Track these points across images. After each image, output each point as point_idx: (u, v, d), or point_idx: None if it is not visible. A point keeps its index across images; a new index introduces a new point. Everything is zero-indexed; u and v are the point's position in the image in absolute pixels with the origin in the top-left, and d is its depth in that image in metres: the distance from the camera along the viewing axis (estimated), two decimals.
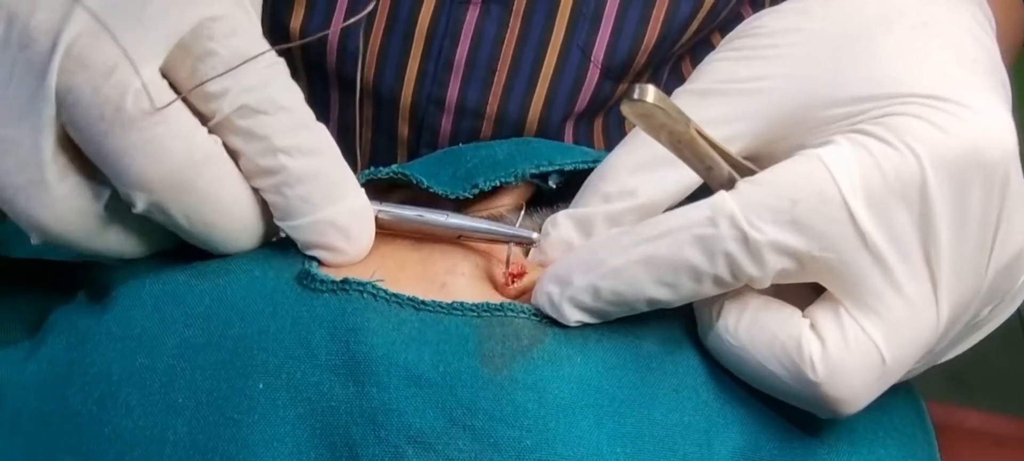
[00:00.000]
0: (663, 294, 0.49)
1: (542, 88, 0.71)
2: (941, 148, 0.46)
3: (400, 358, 0.48)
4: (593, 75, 0.71)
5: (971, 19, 0.51)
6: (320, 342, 0.49)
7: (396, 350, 0.49)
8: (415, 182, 0.56)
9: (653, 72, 0.75)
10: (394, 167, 0.56)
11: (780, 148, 0.50)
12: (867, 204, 0.47)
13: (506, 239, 0.54)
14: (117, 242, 0.51)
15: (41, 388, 0.50)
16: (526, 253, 0.55)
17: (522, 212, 0.56)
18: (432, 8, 0.69)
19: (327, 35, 0.69)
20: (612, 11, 0.70)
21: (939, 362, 0.54)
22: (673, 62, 0.76)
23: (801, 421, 0.52)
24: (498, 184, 0.56)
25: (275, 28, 0.71)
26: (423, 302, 0.50)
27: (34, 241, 0.50)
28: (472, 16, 0.69)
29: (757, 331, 0.49)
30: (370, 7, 0.63)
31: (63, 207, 0.49)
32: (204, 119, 0.48)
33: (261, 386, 0.48)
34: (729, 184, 0.49)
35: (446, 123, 0.71)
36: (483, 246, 0.55)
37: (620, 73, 0.72)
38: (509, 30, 0.69)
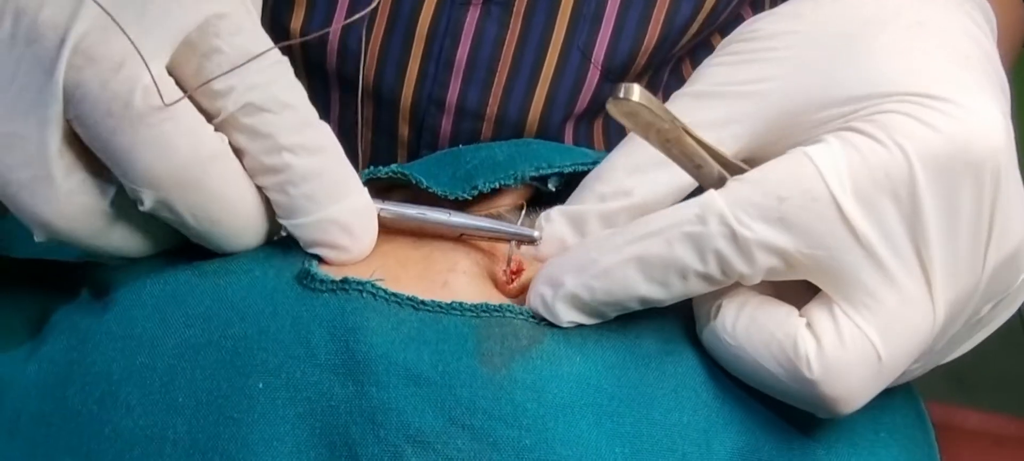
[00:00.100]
0: (655, 292, 0.49)
1: (542, 89, 0.71)
2: (930, 145, 0.47)
3: (399, 357, 0.49)
4: (593, 76, 0.71)
5: (967, 18, 0.52)
6: (320, 341, 0.49)
7: (395, 349, 0.49)
8: (414, 182, 0.56)
9: (653, 73, 0.75)
10: (394, 166, 0.56)
11: (777, 149, 0.50)
12: (857, 200, 0.47)
13: (508, 237, 0.54)
14: (121, 240, 0.51)
15: (41, 388, 0.50)
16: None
17: (523, 211, 0.57)
18: (433, 9, 0.69)
19: (328, 35, 0.69)
20: (612, 12, 0.70)
21: (942, 362, 0.54)
22: (673, 63, 0.76)
23: (800, 422, 0.52)
24: (497, 186, 0.56)
25: (275, 29, 0.71)
26: (422, 302, 0.50)
27: (38, 238, 0.50)
28: (473, 17, 0.69)
29: (754, 330, 0.50)
30: (370, 7, 0.63)
31: (68, 203, 0.49)
32: (209, 117, 0.49)
33: (261, 385, 0.48)
34: (719, 183, 0.50)
35: (446, 124, 0.71)
36: (484, 244, 0.55)
37: (620, 74, 0.72)
38: (509, 31, 0.69)
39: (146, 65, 0.46)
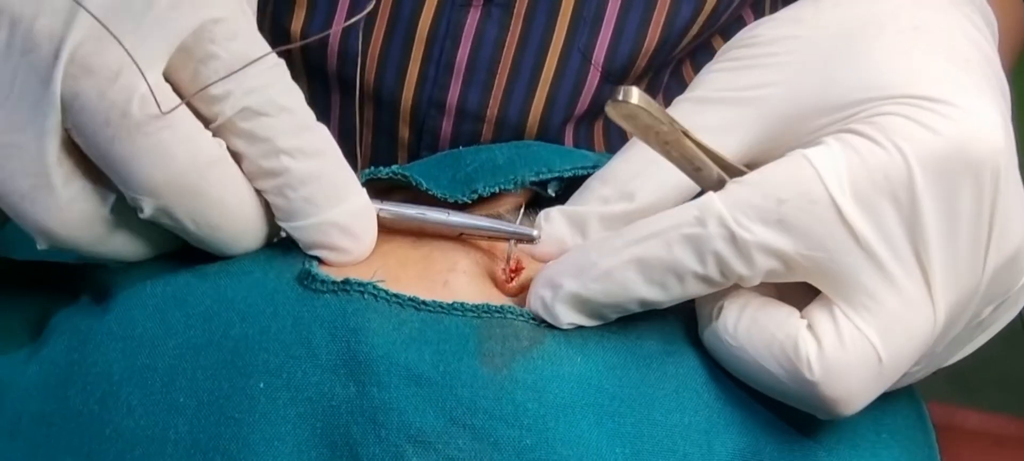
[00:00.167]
0: (654, 294, 0.50)
1: (543, 91, 0.71)
2: (928, 146, 0.47)
3: (400, 358, 0.49)
4: (593, 78, 0.71)
5: (965, 20, 0.52)
6: (321, 342, 0.49)
7: (396, 350, 0.49)
8: (414, 184, 0.56)
9: (654, 75, 0.75)
10: (394, 167, 0.57)
11: (778, 153, 0.50)
12: (856, 202, 0.47)
13: (507, 236, 0.54)
14: (123, 245, 0.51)
15: (42, 389, 0.50)
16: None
17: (521, 211, 0.57)
18: (433, 11, 0.69)
19: (328, 37, 0.69)
20: (613, 14, 0.70)
21: (944, 365, 0.54)
22: (674, 66, 0.76)
23: (802, 423, 0.52)
24: (497, 191, 0.56)
25: (275, 30, 0.71)
26: (423, 302, 0.51)
27: (41, 246, 0.50)
28: (473, 19, 0.69)
29: (756, 331, 0.50)
30: (368, 8, 0.63)
31: (69, 212, 0.49)
32: (207, 122, 0.49)
33: (262, 386, 0.49)
34: (718, 186, 0.50)
35: (447, 126, 0.71)
36: (484, 244, 0.56)
37: (621, 76, 0.72)
38: (510, 33, 0.69)
39: (142, 74, 0.46)
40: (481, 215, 0.56)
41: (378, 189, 0.56)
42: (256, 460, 0.48)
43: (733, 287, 0.50)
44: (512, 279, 0.54)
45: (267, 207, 0.51)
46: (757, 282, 0.49)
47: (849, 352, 0.48)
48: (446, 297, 0.51)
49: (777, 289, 0.51)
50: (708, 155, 0.50)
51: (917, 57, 0.49)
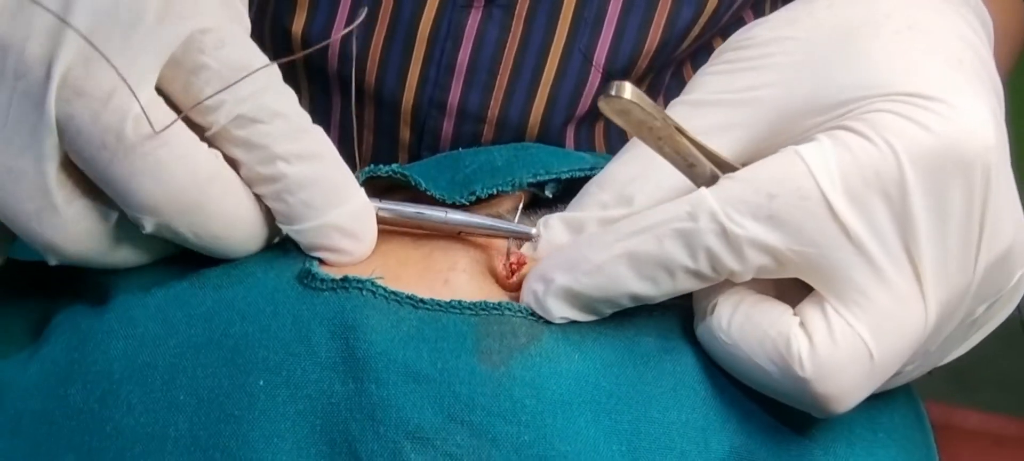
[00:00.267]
0: (645, 289, 0.50)
1: (544, 92, 0.71)
2: (920, 143, 0.47)
3: (399, 355, 0.49)
4: (594, 79, 0.71)
5: (960, 20, 0.52)
6: (320, 340, 0.49)
7: (395, 347, 0.49)
8: (413, 184, 0.56)
9: (655, 77, 0.75)
10: (394, 166, 0.57)
11: (773, 153, 0.50)
12: (847, 198, 0.47)
13: (505, 235, 0.55)
14: (129, 255, 0.52)
15: (42, 387, 0.50)
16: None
17: (519, 209, 0.57)
18: (434, 12, 0.69)
19: (328, 39, 0.70)
20: (614, 15, 0.70)
21: (939, 364, 0.55)
22: (675, 67, 0.76)
23: (798, 421, 0.52)
24: (495, 192, 0.57)
25: (276, 31, 0.71)
26: (422, 300, 0.51)
27: (51, 262, 0.50)
28: (474, 20, 0.69)
29: (749, 327, 0.50)
30: (360, 17, 0.63)
31: (74, 230, 0.49)
32: (201, 131, 0.49)
33: (262, 383, 0.49)
34: (712, 182, 0.50)
35: (447, 127, 0.71)
36: (484, 242, 0.56)
37: (622, 77, 0.72)
38: (511, 34, 0.69)
39: (134, 95, 0.46)
40: (480, 214, 0.56)
41: (378, 189, 0.56)
42: (256, 457, 0.48)
43: (727, 284, 0.50)
44: (513, 274, 0.54)
45: (267, 211, 0.51)
46: (748, 278, 0.49)
47: (840, 349, 0.48)
48: (446, 295, 0.51)
49: (773, 286, 0.51)
50: (701, 151, 0.50)
51: (911, 56, 0.49)
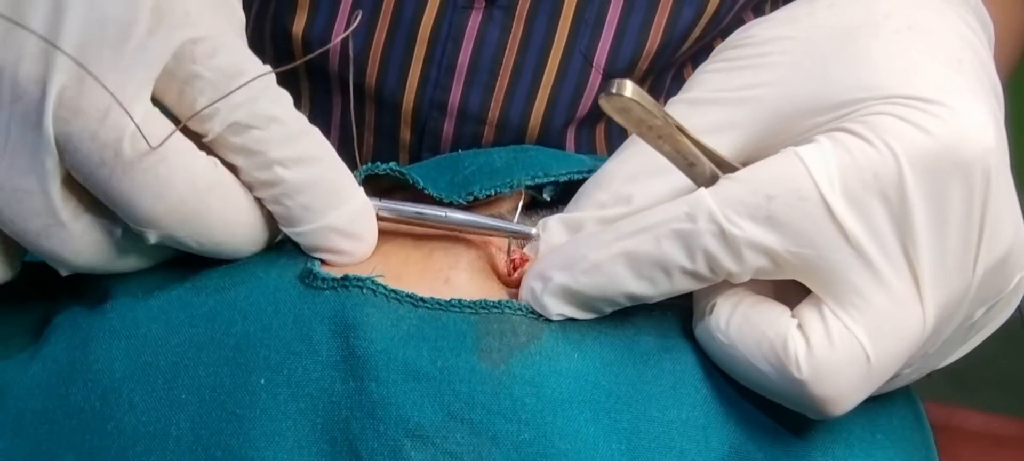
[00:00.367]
0: (642, 289, 0.50)
1: (544, 93, 0.71)
2: (919, 146, 0.47)
3: (399, 354, 0.49)
4: (595, 80, 0.71)
5: (960, 21, 0.52)
6: (321, 338, 0.50)
7: (395, 346, 0.49)
8: (412, 183, 0.56)
9: (656, 78, 0.75)
10: (392, 164, 0.57)
11: (772, 153, 0.50)
12: (846, 200, 0.47)
13: (505, 235, 0.55)
14: (135, 261, 0.52)
15: (43, 386, 0.50)
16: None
17: (518, 209, 0.57)
18: (434, 13, 0.69)
19: (329, 39, 0.69)
20: (614, 16, 0.70)
21: (938, 367, 0.55)
22: (676, 69, 0.76)
23: (797, 422, 0.52)
24: (493, 194, 0.57)
25: (277, 32, 0.71)
26: (422, 299, 0.51)
27: (63, 274, 0.51)
28: (475, 21, 0.69)
29: (747, 328, 0.50)
30: (357, 19, 0.63)
31: (81, 243, 0.50)
32: (199, 137, 0.49)
33: (263, 382, 0.49)
34: (712, 181, 0.50)
35: (448, 127, 0.71)
36: (485, 240, 0.56)
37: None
38: (511, 35, 0.69)
39: (128, 114, 0.46)
40: (479, 214, 0.56)
41: (378, 190, 0.56)
42: (257, 455, 0.48)
43: (726, 284, 0.50)
44: (515, 270, 0.54)
45: (268, 212, 0.52)
46: (746, 279, 0.49)
47: (837, 351, 0.48)
48: (447, 294, 0.52)
49: (772, 287, 0.51)
50: (702, 150, 0.50)
51: (910, 57, 0.49)
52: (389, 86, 0.70)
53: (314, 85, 0.73)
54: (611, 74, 0.71)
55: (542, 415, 0.49)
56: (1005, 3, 0.74)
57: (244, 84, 0.48)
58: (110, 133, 0.46)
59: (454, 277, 0.54)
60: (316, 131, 0.51)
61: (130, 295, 0.52)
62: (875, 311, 0.48)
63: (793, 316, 0.50)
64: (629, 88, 0.46)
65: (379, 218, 0.54)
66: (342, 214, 0.52)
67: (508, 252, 0.55)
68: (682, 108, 0.52)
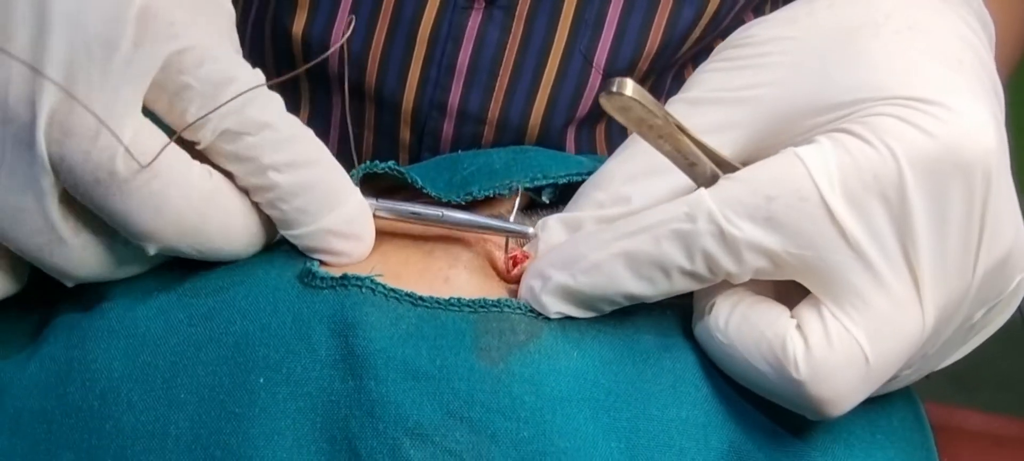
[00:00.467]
0: (641, 289, 0.50)
1: (544, 93, 0.71)
2: (919, 147, 0.47)
3: (398, 353, 0.49)
4: (595, 80, 0.71)
5: (961, 21, 0.52)
6: (320, 338, 0.50)
7: (394, 345, 0.49)
8: (410, 182, 0.56)
9: (656, 79, 0.75)
10: (391, 163, 0.57)
11: (772, 154, 0.50)
12: (846, 201, 0.47)
13: (502, 234, 0.55)
14: (138, 267, 0.52)
15: (42, 386, 0.51)
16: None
17: (515, 209, 0.57)
18: (434, 13, 0.69)
19: (329, 39, 0.69)
20: (614, 17, 0.70)
21: (937, 368, 0.55)
22: (676, 69, 0.76)
23: (797, 422, 0.52)
24: (491, 194, 0.57)
25: (277, 31, 0.71)
26: (421, 298, 0.51)
27: (69, 285, 0.51)
28: (475, 21, 0.69)
29: (746, 328, 0.50)
30: (350, 31, 0.63)
31: (83, 257, 0.50)
32: (192, 145, 0.49)
33: (262, 381, 0.49)
34: (712, 181, 0.50)
35: (448, 128, 0.71)
36: (485, 239, 0.56)
37: None
38: (511, 35, 0.69)
39: (116, 137, 0.46)
40: (478, 214, 0.56)
41: (377, 189, 0.56)
42: (256, 454, 0.48)
43: (726, 283, 0.50)
44: (515, 266, 0.54)
45: (266, 215, 0.52)
46: (746, 279, 0.49)
47: (836, 352, 0.48)
48: (446, 293, 0.52)
49: (772, 287, 0.51)
50: (702, 150, 0.50)
51: (911, 58, 0.49)
52: (389, 86, 0.70)
53: (314, 85, 0.73)
54: (611, 74, 0.71)
55: (541, 413, 0.49)
56: (1005, 3, 0.74)
57: (234, 97, 0.48)
58: (102, 152, 0.46)
59: (453, 276, 0.54)
60: (309, 134, 0.51)
61: (129, 295, 0.52)
62: (874, 312, 0.48)
63: (792, 316, 0.50)
64: (630, 87, 0.46)
65: (377, 218, 0.54)
66: (338, 216, 0.52)
67: (506, 249, 0.55)
68: (681, 107, 0.52)
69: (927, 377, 0.55)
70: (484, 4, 0.69)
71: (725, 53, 0.53)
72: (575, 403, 0.49)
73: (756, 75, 0.51)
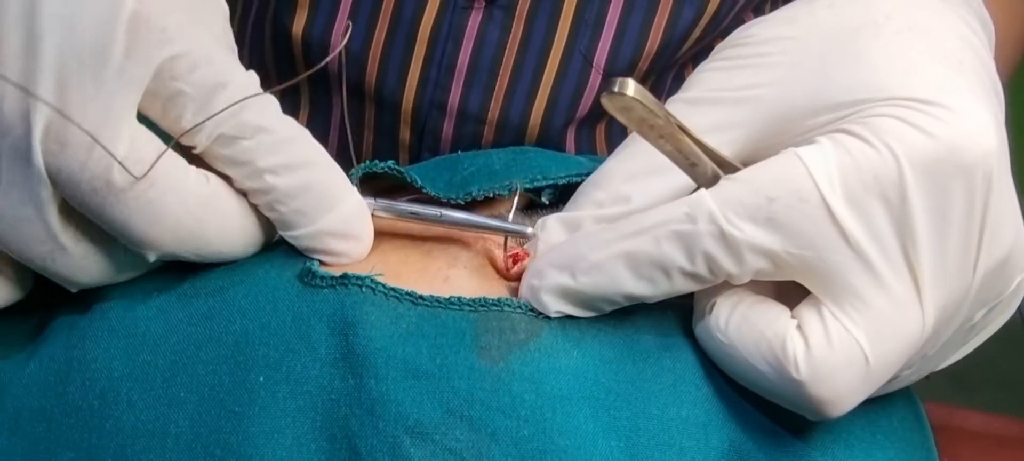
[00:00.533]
0: (641, 289, 0.50)
1: (544, 93, 0.71)
2: (920, 148, 0.47)
3: (398, 351, 0.49)
4: (595, 80, 0.71)
5: (961, 22, 0.52)
6: (320, 336, 0.50)
7: (394, 344, 0.49)
8: (409, 181, 0.56)
9: (656, 78, 0.75)
10: (391, 163, 0.57)
11: (772, 154, 0.50)
12: (846, 202, 0.47)
13: (501, 234, 0.55)
14: (142, 270, 0.52)
15: (41, 385, 0.51)
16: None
17: (513, 209, 0.57)
18: (435, 12, 0.69)
19: (329, 39, 0.69)
20: (614, 17, 0.70)
21: (937, 369, 0.55)
22: (676, 69, 0.76)
23: (797, 421, 0.52)
24: (491, 195, 0.57)
25: (277, 31, 0.71)
26: (421, 297, 0.51)
27: (73, 291, 0.51)
28: (475, 21, 0.69)
29: (746, 328, 0.50)
30: (346, 39, 0.63)
31: (86, 264, 0.50)
32: (189, 148, 0.49)
33: (262, 380, 0.49)
34: (713, 182, 0.50)
35: (448, 127, 0.71)
36: (484, 239, 0.56)
37: None
38: (511, 35, 0.69)
39: (109, 152, 0.46)
40: (477, 214, 0.56)
41: (377, 189, 0.57)
42: (256, 453, 0.48)
43: (726, 284, 0.50)
44: (514, 264, 0.54)
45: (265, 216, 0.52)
46: (746, 280, 0.49)
47: (836, 353, 0.48)
48: (446, 293, 0.52)
49: (772, 287, 0.51)
50: (703, 150, 0.50)
51: (911, 58, 0.49)
52: (389, 86, 0.70)
53: (314, 86, 0.73)
54: (611, 74, 0.71)
55: (541, 412, 0.49)
56: (1005, 4, 0.74)
57: (227, 108, 0.48)
58: (98, 163, 0.47)
59: (453, 276, 0.54)
60: (306, 135, 0.51)
61: (128, 295, 0.52)
62: (874, 313, 0.48)
63: (793, 317, 0.50)
64: (631, 87, 0.46)
65: (375, 218, 0.54)
66: (336, 217, 0.52)
67: (505, 247, 0.55)
68: (681, 107, 0.52)
69: (927, 377, 0.55)
70: (484, 4, 0.69)
71: (725, 53, 0.53)
72: (575, 402, 0.49)
73: (756, 75, 0.51)
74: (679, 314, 0.53)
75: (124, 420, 0.49)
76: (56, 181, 0.47)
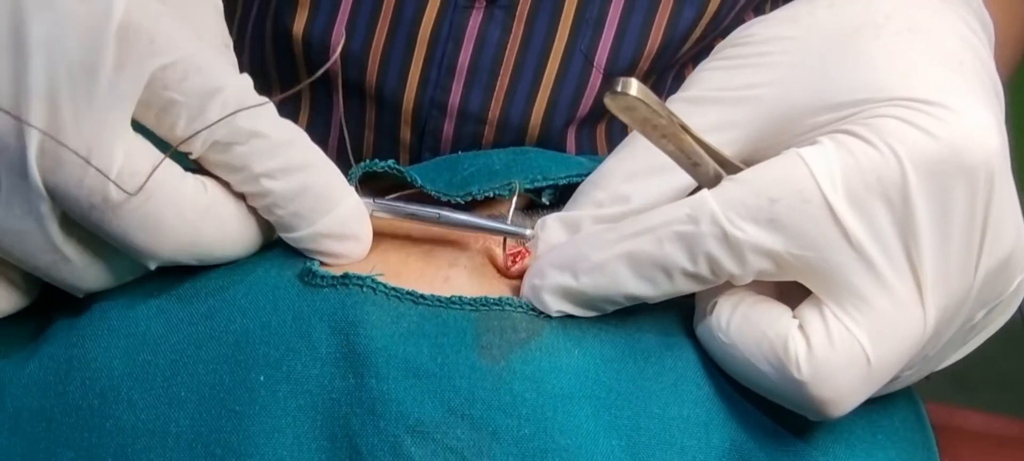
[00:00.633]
0: (643, 290, 0.50)
1: (545, 93, 0.71)
2: (922, 149, 0.47)
3: (399, 351, 0.49)
4: (596, 80, 0.71)
5: (960, 22, 0.52)
6: (320, 336, 0.50)
7: (395, 343, 0.49)
8: (409, 180, 0.56)
9: (657, 78, 0.75)
10: (390, 162, 0.57)
11: (772, 153, 0.50)
12: (848, 202, 0.47)
13: (500, 235, 0.55)
14: (142, 274, 0.52)
15: (41, 385, 0.51)
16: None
17: (511, 209, 0.57)
18: (435, 12, 0.69)
19: (330, 39, 0.70)
20: (615, 16, 0.70)
21: (937, 368, 0.55)
22: (677, 69, 0.76)
23: (798, 421, 0.52)
24: (491, 195, 0.57)
25: (277, 31, 0.71)
26: (422, 296, 0.51)
27: (79, 296, 0.52)
28: (475, 21, 0.69)
29: (747, 328, 0.50)
30: (340, 46, 0.63)
31: (89, 271, 0.50)
32: (185, 153, 0.49)
33: (262, 379, 0.49)
34: (715, 181, 0.50)
35: (448, 127, 0.71)
36: (485, 238, 0.56)
37: None
38: (512, 35, 0.69)
39: (102, 173, 0.46)
40: (476, 214, 0.56)
41: (378, 189, 0.57)
42: (257, 452, 0.48)
43: (728, 283, 0.50)
44: (515, 263, 0.54)
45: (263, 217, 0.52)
46: (748, 281, 0.49)
47: (838, 353, 0.48)
48: (446, 292, 0.52)
49: (774, 287, 0.51)
50: (706, 151, 0.50)
51: (911, 59, 0.49)
52: (389, 86, 0.70)
53: (314, 86, 0.73)
54: (612, 74, 0.71)
55: (542, 410, 0.49)
56: (1005, 3, 0.74)
57: (223, 118, 0.48)
58: (95, 179, 0.47)
59: (454, 275, 0.54)
60: (303, 137, 0.51)
61: (129, 295, 0.52)
62: (876, 313, 0.48)
63: (794, 317, 0.50)
64: (634, 87, 0.46)
65: (375, 218, 0.54)
66: (334, 218, 0.52)
67: (504, 247, 0.55)
68: (681, 106, 0.52)
69: (928, 377, 0.55)
70: (485, 4, 0.69)
71: (725, 52, 0.53)
72: (576, 400, 0.50)
73: (756, 74, 0.51)
74: (680, 313, 0.53)
75: (124, 419, 0.49)
76: (54, 196, 0.47)
